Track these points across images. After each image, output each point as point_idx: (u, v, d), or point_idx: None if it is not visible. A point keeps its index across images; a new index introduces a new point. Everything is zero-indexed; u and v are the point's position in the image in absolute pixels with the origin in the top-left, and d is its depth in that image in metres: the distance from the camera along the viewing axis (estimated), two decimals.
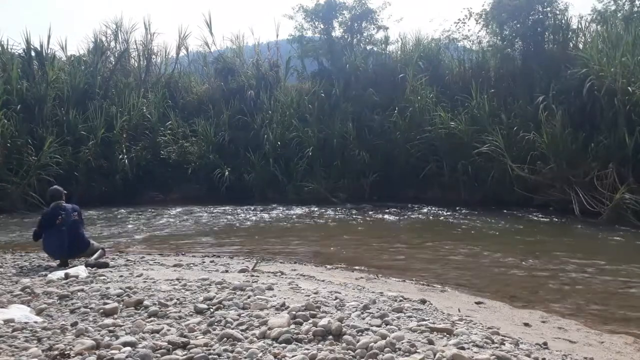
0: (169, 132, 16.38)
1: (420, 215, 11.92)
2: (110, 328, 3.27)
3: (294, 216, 12.05)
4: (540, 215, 11.36)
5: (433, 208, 12.73)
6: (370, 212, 12.35)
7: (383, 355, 2.87)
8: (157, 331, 3.23)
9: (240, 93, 17.38)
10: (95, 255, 6.06)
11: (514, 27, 15.73)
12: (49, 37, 16.86)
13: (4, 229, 10.03)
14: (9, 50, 16.22)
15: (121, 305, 3.80)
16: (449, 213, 12.06)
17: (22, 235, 9.30)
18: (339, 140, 15.38)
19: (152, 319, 3.53)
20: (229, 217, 11.92)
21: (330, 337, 3.13)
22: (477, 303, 5.05)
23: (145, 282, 4.80)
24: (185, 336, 3.11)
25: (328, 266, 6.86)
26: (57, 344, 2.97)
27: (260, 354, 2.85)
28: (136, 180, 15.07)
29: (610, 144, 11.52)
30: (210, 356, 2.80)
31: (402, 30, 60.35)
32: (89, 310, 3.72)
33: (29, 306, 3.81)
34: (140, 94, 16.82)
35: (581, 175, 11.64)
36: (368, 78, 17.11)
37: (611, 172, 10.94)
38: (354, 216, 11.98)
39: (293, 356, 2.83)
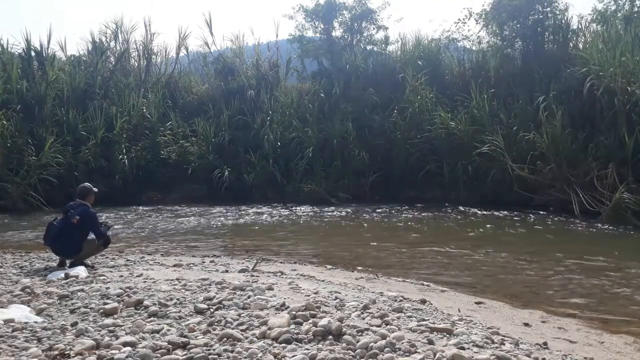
0: (169, 132, 16.37)
1: (420, 215, 11.91)
2: (110, 328, 3.27)
3: (294, 216, 12.04)
4: (540, 215, 11.35)
5: (433, 208, 12.71)
6: (370, 212, 12.35)
7: (383, 355, 2.87)
8: (157, 331, 3.23)
9: (240, 93, 17.36)
10: (77, 265, 5.73)
11: (514, 27, 15.75)
12: (49, 37, 16.89)
13: (5, 229, 10.02)
14: (9, 50, 16.23)
15: (121, 305, 3.80)
16: (448, 213, 12.06)
17: (21, 235, 9.31)
18: (339, 140, 15.38)
19: (152, 319, 3.53)
20: (228, 217, 11.92)
21: (330, 337, 3.13)
22: (477, 303, 5.05)
23: (145, 282, 4.80)
24: (185, 336, 3.11)
25: (328, 266, 6.86)
26: (57, 344, 2.98)
27: (260, 354, 2.85)
28: (136, 180, 15.06)
29: (610, 144, 11.54)
30: (210, 356, 2.80)
31: (402, 30, 60.40)
32: (89, 310, 3.71)
33: (29, 306, 3.81)
34: (140, 94, 16.81)
35: (581, 175, 11.65)
36: (368, 78, 17.11)
37: (611, 172, 10.96)
38: (354, 216, 11.97)
39: (293, 356, 2.83)
